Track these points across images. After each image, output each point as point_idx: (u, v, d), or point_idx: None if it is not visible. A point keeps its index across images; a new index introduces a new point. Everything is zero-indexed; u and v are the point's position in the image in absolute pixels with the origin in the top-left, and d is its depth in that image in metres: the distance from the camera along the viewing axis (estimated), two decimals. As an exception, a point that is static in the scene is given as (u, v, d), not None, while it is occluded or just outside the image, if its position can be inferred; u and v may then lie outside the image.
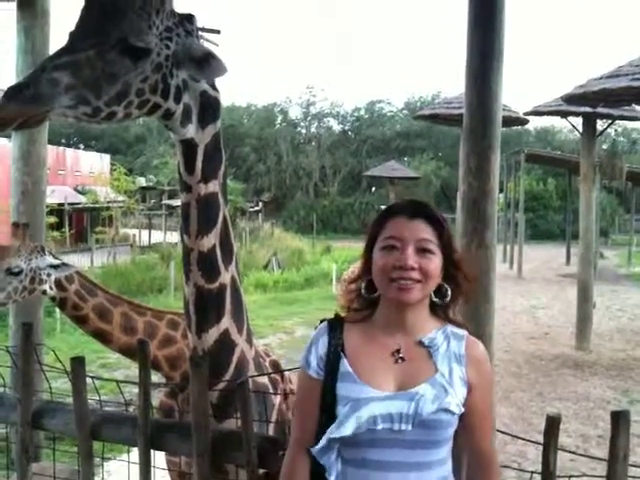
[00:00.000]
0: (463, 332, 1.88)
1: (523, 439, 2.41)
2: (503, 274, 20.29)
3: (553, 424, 1.99)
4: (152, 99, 2.17)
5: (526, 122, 15.27)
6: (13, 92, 1.91)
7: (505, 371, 9.75)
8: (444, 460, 1.81)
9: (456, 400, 1.76)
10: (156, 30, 2.13)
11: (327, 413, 1.80)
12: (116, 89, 2.05)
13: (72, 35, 2.08)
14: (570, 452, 2.34)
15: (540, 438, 2.07)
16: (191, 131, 2.34)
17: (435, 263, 1.80)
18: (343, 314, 1.96)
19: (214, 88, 2.39)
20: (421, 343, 1.82)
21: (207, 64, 2.21)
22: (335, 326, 1.90)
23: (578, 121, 13.38)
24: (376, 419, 1.73)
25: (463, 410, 1.78)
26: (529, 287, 19.56)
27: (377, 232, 1.86)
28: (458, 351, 1.82)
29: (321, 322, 1.95)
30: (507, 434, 2.64)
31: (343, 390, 1.79)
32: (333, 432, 1.76)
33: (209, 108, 2.37)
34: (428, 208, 1.88)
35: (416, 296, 1.78)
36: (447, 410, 1.74)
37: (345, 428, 1.73)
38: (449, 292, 1.87)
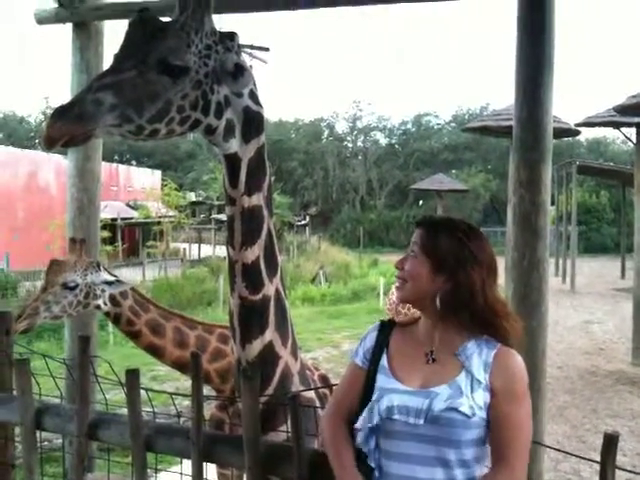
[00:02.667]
0: (497, 343, 1.92)
1: (578, 457, 2.34)
2: (556, 288, 19.91)
3: (611, 442, 1.94)
4: (193, 115, 2.23)
5: (577, 133, 15.00)
6: (60, 112, 2.01)
7: (559, 387, 9.53)
8: (470, 462, 1.85)
9: (470, 402, 1.82)
10: (195, 48, 2.20)
11: (366, 401, 1.95)
12: (157, 107, 2.12)
13: (116, 57, 2.17)
14: (629, 471, 2.26)
15: (594, 456, 2.02)
16: (234, 145, 2.39)
17: (413, 264, 1.94)
18: None
19: (257, 103, 2.44)
20: (454, 350, 1.91)
21: (240, 75, 2.27)
22: (385, 326, 2.08)
23: (631, 131, 13.08)
24: (393, 409, 1.86)
25: (484, 416, 1.83)
26: (583, 301, 19.10)
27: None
28: (486, 358, 1.89)
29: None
30: (560, 451, 2.57)
31: (379, 381, 1.95)
32: (366, 422, 1.91)
33: (252, 123, 2.41)
34: (433, 219, 2.05)
35: (404, 294, 1.96)
36: (458, 410, 1.80)
37: (372, 417, 1.89)
38: (437, 298, 1.91)
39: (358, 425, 1.95)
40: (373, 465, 1.92)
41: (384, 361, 1.98)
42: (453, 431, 1.82)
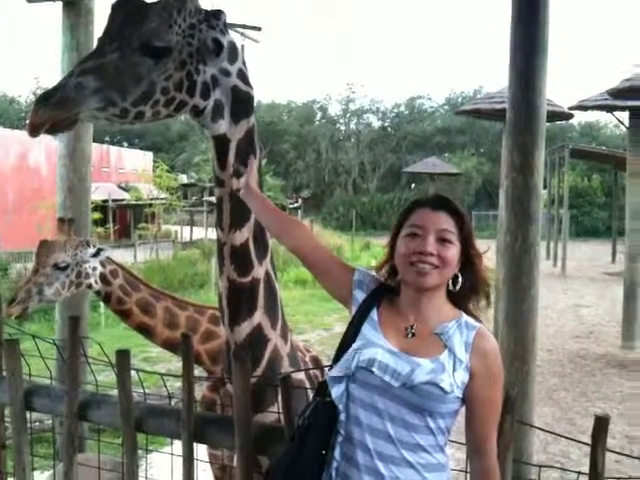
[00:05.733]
0: (477, 324, 1.98)
1: (568, 438, 2.35)
2: (547, 272, 19.97)
3: (601, 424, 1.95)
4: (178, 97, 2.21)
5: (570, 117, 14.90)
6: (43, 98, 2.00)
7: (548, 370, 9.60)
8: (436, 431, 1.90)
9: (451, 380, 1.87)
10: (178, 28, 2.17)
11: (346, 344, 2.00)
12: (141, 89, 2.11)
13: (100, 40, 2.15)
14: (618, 453, 2.28)
15: (584, 438, 2.03)
16: (223, 127, 2.37)
17: (452, 252, 1.95)
18: None
19: (246, 83, 2.40)
20: (434, 329, 1.95)
21: (220, 51, 2.25)
22: (383, 287, 2.10)
23: (624, 115, 13.08)
24: (374, 362, 1.90)
25: (459, 395, 1.88)
26: (573, 285, 19.20)
27: (403, 221, 2.03)
28: (466, 339, 1.93)
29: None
30: (551, 433, 2.59)
31: (365, 331, 1.99)
32: (340, 369, 1.95)
33: (241, 103, 2.39)
34: (451, 202, 2.03)
35: (432, 280, 1.93)
36: (438, 386, 1.85)
37: (350, 363, 1.92)
38: (459, 280, 2.00)
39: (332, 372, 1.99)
40: (341, 408, 1.94)
41: (374, 314, 2.02)
42: (427, 402, 1.86)
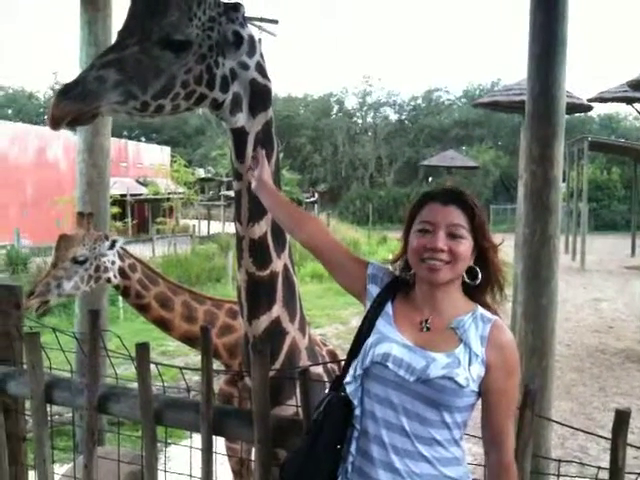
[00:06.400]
0: (492, 317, 1.96)
1: (588, 433, 2.33)
2: (566, 266, 19.82)
3: (622, 418, 1.93)
4: (198, 90, 2.21)
5: (590, 109, 14.78)
6: (64, 91, 2.01)
7: (566, 365, 9.53)
8: (451, 425, 1.89)
9: (466, 374, 1.85)
10: (198, 21, 2.17)
11: (361, 339, 1.99)
12: (161, 82, 2.11)
13: (120, 33, 2.16)
14: (639, 448, 2.26)
15: (602, 434, 2.02)
16: (241, 119, 2.38)
17: (464, 246, 1.93)
18: None
19: (264, 76, 2.41)
20: (449, 323, 1.93)
21: (240, 44, 2.25)
22: (398, 280, 2.08)
23: (645, 107, 12.94)
24: (388, 357, 1.89)
25: (475, 388, 1.87)
26: (592, 279, 19.02)
27: (414, 216, 2.02)
28: (482, 332, 1.91)
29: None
30: (570, 427, 2.57)
31: (380, 325, 1.98)
32: (358, 366, 1.94)
33: (259, 96, 2.39)
34: (462, 195, 1.99)
35: (444, 276, 1.92)
36: (454, 380, 1.84)
37: (365, 358, 1.92)
38: (479, 274, 1.97)
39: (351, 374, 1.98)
40: (356, 403, 1.94)
41: (388, 309, 2.00)
42: (442, 397, 1.85)
